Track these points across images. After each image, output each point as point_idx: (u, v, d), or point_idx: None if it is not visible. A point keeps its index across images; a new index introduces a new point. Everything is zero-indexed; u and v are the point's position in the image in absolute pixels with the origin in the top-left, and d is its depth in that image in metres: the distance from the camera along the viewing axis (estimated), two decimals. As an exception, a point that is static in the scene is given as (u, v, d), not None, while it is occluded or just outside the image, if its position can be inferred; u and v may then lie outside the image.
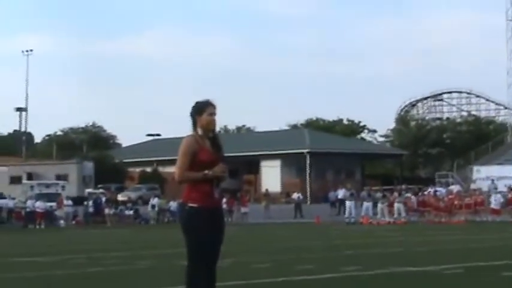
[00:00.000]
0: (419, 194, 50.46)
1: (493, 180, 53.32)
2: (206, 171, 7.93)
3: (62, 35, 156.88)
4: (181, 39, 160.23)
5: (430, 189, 51.37)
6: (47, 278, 14.98)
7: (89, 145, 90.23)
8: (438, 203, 45.68)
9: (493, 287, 12.14)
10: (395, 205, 44.99)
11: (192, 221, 7.97)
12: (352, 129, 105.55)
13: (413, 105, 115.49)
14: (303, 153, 74.48)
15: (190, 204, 7.99)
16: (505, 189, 48.31)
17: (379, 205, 45.26)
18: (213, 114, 8.12)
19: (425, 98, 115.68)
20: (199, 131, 8.10)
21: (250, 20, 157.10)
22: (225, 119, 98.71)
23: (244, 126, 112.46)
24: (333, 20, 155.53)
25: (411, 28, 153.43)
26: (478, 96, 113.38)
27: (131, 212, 52.45)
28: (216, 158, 8.01)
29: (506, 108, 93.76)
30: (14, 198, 52.65)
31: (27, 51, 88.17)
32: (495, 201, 44.62)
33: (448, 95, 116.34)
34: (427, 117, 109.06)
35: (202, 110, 8.10)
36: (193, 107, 8.15)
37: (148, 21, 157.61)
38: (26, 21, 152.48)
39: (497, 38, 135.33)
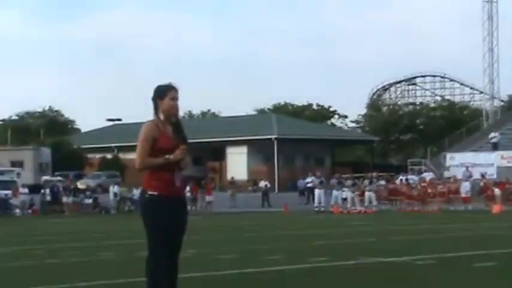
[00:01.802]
0: (391, 181, 50.80)
1: (467, 167, 53.65)
2: (167, 156, 7.85)
3: (21, 14, 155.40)
4: (143, 21, 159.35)
5: (402, 177, 51.66)
6: (3, 270, 14.89)
7: (46, 130, 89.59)
8: (410, 191, 46.04)
9: (464, 277, 12.27)
10: (366, 193, 45.30)
11: (152, 209, 7.92)
12: (322, 114, 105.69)
13: (385, 89, 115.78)
14: (270, 139, 74.57)
15: (150, 192, 7.94)
16: (479, 177, 48.71)
17: (350, 193, 45.51)
18: (175, 98, 8.01)
19: (398, 82, 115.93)
20: (161, 116, 8.01)
21: (212, 2, 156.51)
22: (189, 104, 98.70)
23: (209, 111, 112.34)
24: (306, 4, 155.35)
25: (384, 11, 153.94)
26: (452, 80, 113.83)
27: (90, 201, 52.27)
28: (176, 145, 7.92)
29: (481, 92, 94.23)
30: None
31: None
32: (464, 189, 44.90)
33: (422, 79, 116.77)
34: (399, 102, 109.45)
35: (164, 94, 8.01)
36: (155, 90, 8.05)
37: (110, 1, 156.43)
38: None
39: (473, 22, 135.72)
